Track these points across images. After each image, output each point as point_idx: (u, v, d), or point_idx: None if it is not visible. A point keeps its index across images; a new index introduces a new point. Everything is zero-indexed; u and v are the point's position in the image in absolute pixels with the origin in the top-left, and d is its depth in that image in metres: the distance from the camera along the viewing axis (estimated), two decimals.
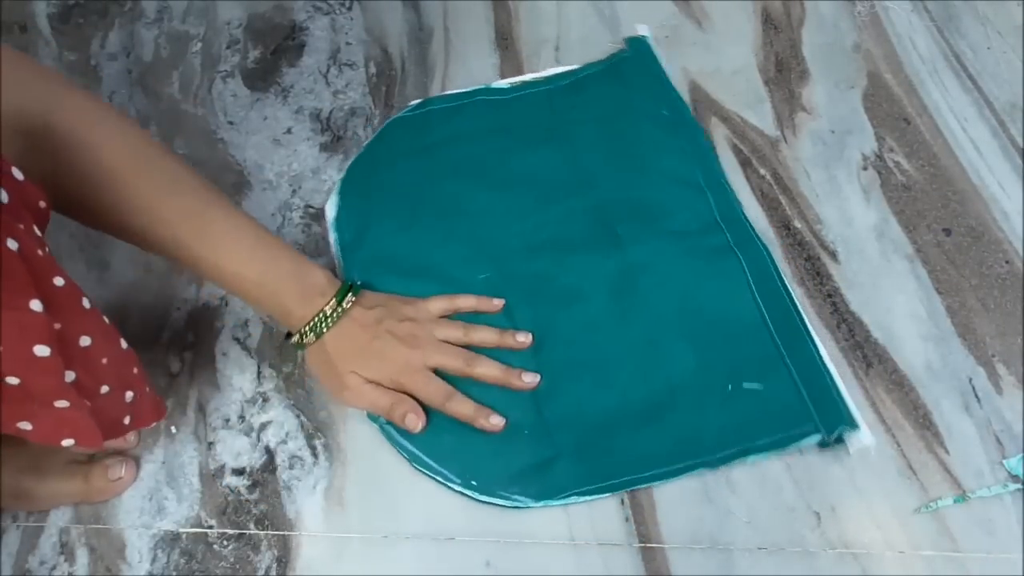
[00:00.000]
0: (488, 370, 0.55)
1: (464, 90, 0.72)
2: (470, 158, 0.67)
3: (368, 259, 0.62)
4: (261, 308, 0.55)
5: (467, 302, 0.59)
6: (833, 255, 0.63)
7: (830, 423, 0.53)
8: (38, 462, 0.52)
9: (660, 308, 0.58)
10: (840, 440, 0.53)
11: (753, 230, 0.62)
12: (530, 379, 0.55)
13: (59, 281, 0.39)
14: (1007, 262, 0.62)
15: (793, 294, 0.59)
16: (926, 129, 0.69)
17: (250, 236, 0.52)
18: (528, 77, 0.73)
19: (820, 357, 0.56)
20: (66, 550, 0.52)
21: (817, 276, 0.62)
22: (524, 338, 0.57)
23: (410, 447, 0.54)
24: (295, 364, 0.59)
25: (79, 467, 0.53)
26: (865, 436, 0.53)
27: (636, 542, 0.51)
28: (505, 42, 0.77)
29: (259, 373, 0.59)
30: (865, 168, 0.67)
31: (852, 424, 0.53)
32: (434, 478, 0.54)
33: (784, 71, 0.74)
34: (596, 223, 0.63)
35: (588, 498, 0.52)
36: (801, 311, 0.58)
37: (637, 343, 0.57)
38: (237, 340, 0.60)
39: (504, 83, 0.72)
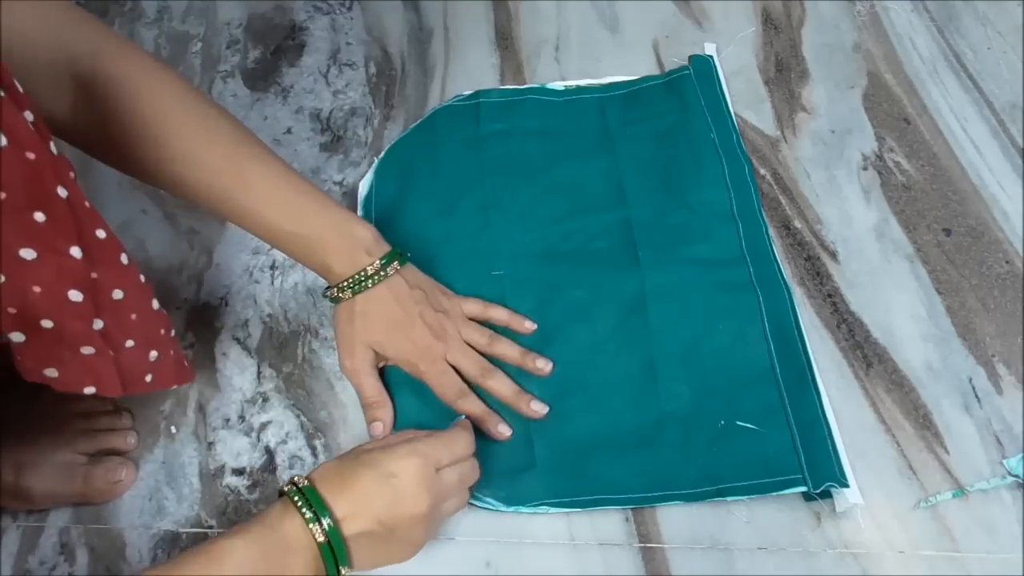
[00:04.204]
0: (500, 386, 0.55)
1: (517, 87, 0.72)
2: (518, 156, 0.67)
3: (388, 240, 0.62)
4: (301, 261, 0.54)
5: (500, 314, 0.58)
6: (833, 255, 0.63)
7: (818, 476, 0.51)
8: (38, 462, 0.52)
9: (667, 338, 0.57)
10: (827, 495, 0.51)
11: (779, 268, 0.60)
12: (538, 407, 0.55)
13: (101, 234, 0.41)
14: (1007, 262, 0.62)
15: (807, 341, 0.57)
16: (926, 129, 0.69)
17: (290, 186, 0.51)
18: (583, 82, 0.72)
19: (823, 410, 0.54)
20: (66, 550, 0.52)
21: (817, 276, 0.62)
22: (544, 364, 0.56)
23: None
24: (295, 364, 0.59)
25: (79, 468, 0.52)
26: (853, 495, 0.51)
27: (636, 542, 0.51)
28: (505, 42, 0.77)
29: (259, 373, 0.59)
30: (865, 168, 0.67)
31: (842, 482, 0.51)
32: None
33: (784, 71, 0.74)
34: (621, 242, 0.62)
35: (558, 510, 0.52)
36: (812, 360, 0.56)
37: (636, 370, 0.56)
38: (237, 340, 0.60)
39: (559, 85, 0.72)
